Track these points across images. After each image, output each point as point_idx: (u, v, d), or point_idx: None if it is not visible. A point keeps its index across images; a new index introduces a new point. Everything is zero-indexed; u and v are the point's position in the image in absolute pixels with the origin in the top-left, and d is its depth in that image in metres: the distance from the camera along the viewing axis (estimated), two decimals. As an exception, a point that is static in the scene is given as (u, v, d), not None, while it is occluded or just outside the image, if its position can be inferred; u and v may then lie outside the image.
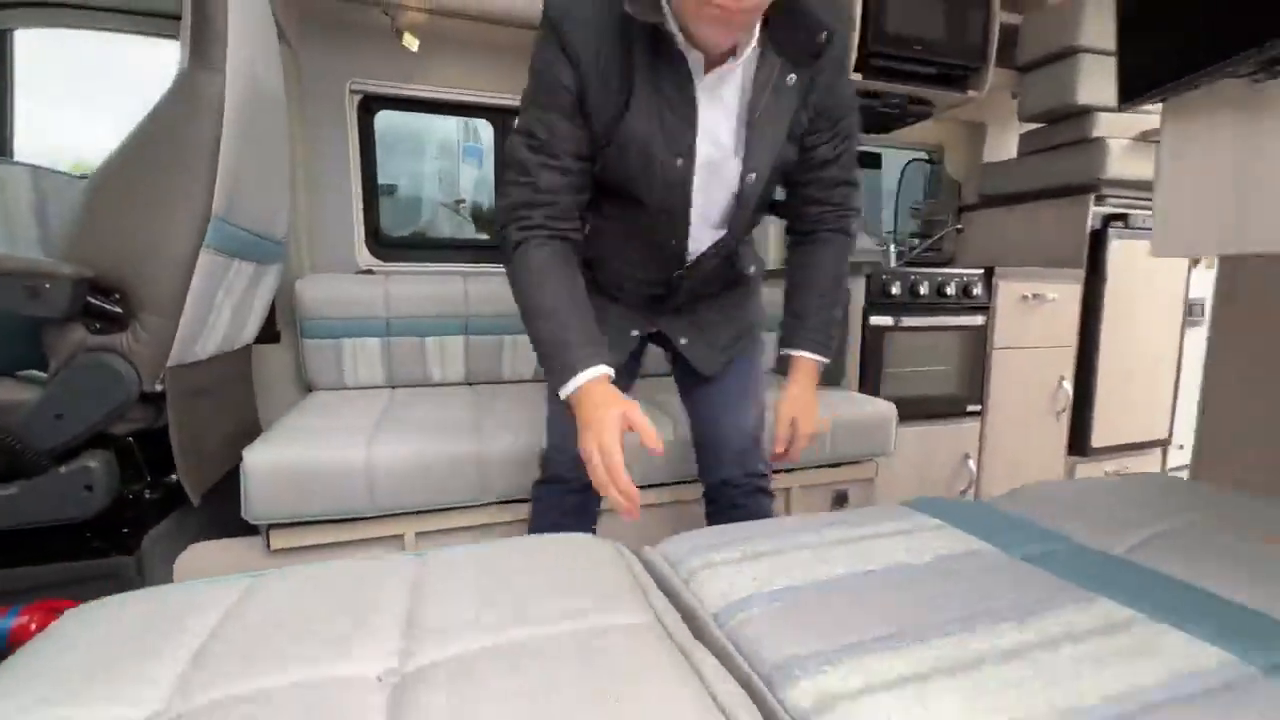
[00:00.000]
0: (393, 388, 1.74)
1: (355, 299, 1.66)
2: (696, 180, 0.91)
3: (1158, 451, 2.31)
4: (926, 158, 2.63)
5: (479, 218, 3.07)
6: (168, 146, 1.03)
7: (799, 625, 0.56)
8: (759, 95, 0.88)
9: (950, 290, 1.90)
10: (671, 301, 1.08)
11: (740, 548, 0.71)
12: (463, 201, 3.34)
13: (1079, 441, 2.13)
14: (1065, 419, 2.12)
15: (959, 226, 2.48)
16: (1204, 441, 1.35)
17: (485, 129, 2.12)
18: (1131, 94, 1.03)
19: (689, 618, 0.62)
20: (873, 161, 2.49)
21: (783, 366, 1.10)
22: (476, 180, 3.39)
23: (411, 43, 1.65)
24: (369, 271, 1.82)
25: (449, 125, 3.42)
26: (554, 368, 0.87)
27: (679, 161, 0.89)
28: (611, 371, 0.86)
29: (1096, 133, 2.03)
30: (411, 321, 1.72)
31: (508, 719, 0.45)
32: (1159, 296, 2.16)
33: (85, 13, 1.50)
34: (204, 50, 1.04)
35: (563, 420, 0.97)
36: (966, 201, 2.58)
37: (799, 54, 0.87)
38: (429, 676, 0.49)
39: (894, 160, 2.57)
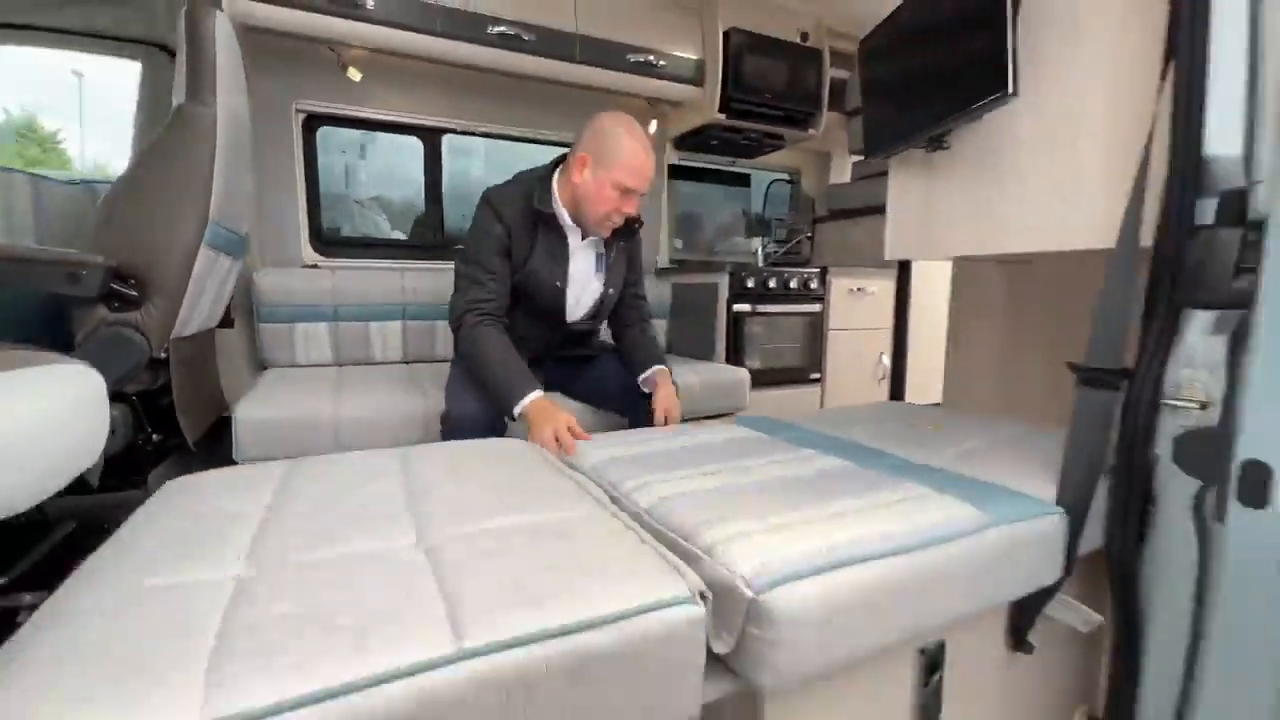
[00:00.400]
0: (339, 365, 2.04)
1: (306, 289, 1.96)
2: (570, 293, 1.60)
3: (955, 409, 3.00)
4: (787, 178, 3.22)
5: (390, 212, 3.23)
6: (174, 165, 1.32)
7: (695, 505, 0.82)
8: (608, 251, 1.62)
9: (794, 285, 2.46)
10: (551, 354, 1.71)
11: (632, 449, 1.11)
12: (360, 202, 3.49)
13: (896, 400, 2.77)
14: (885, 384, 2.74)
15: (809, 234, 3.08)
16: (949, 382, 1.95)
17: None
18: (871, 152, 1.57)
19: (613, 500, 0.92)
20: (743, 181, 3.04)
21: (647, 386, 1.62)
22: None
23: (355, 75, 1.96)
24: (314, 266, 2.10)
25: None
26: (505, 397, 1.35)
27: (558, 284, 1.57)
28: (542, 392, 1.35)
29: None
30: (356, 308, 2.04)
31: (506, 562, 0.65)
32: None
33: (54, 35, 1.70)
34: (199, 90, 1.35)
35: (458, 389, 1.50)
36: (819, 214, 3.20)
37: (626, 234, 1.62)
38: (445, 545, 0.69)
39: (761, 180, 3.14)
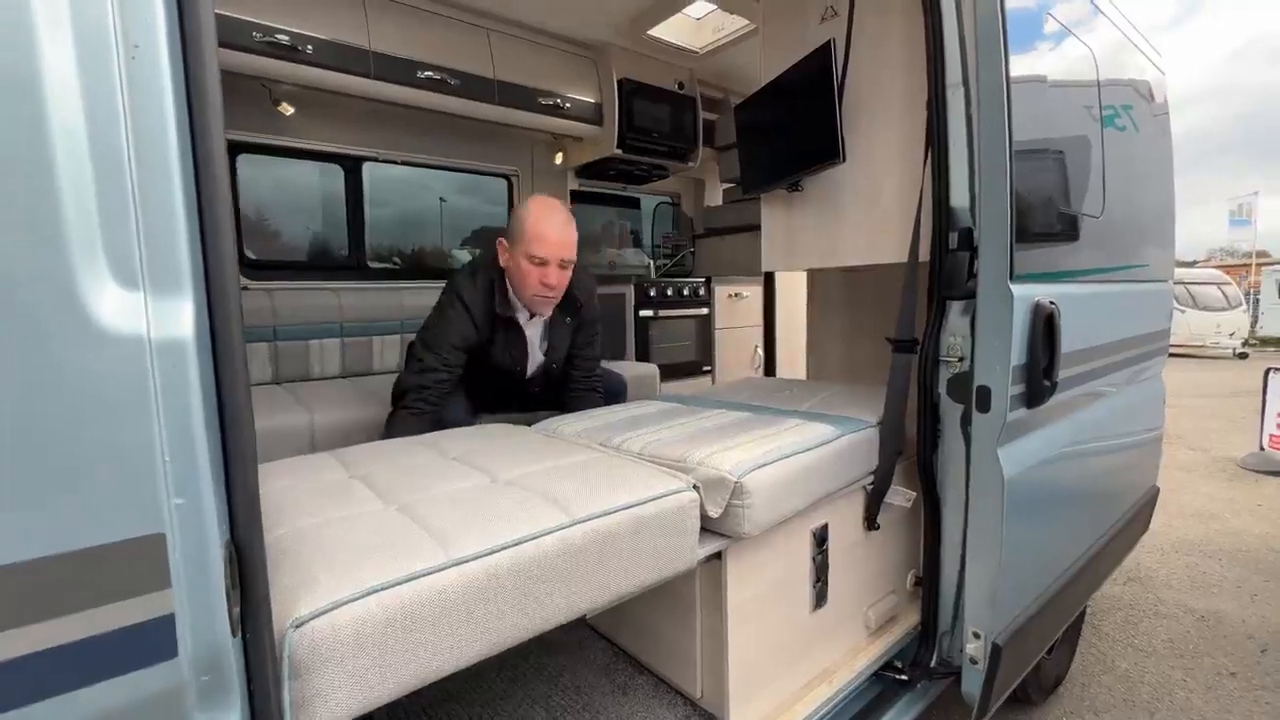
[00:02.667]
0: (278, 382, 2.14)
1: (246, 310, 2.04)
2: (528, 367, 1.86)
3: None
4: (670, 201, 3.72)
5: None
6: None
7: (674, 442, 1.25)
8: (551, 328, 1.86)
9: (686, 292, 2.93)
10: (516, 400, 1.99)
11: (597, 420, 1.47)
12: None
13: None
14: (760, 371, 3.32)
15: (692, 250, 3.60)
16: (810, 359, 2.50)
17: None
18: (747, 190, 2.06)
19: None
20: (634, 204, 3.48)
21: None
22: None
23: (286, 109, 2.08)
24: (244, 288, 2.17)
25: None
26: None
27: (517, 368, 1.84)
28: None
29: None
30: (295, 327, 2.14)
31: (566, 484, 0.97)
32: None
33: None
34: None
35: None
36: (698, 232, 3.73)
37: (570, 309, 1.84)
38: (516, 480, 1.02)
39: (649, 203, 3.61)
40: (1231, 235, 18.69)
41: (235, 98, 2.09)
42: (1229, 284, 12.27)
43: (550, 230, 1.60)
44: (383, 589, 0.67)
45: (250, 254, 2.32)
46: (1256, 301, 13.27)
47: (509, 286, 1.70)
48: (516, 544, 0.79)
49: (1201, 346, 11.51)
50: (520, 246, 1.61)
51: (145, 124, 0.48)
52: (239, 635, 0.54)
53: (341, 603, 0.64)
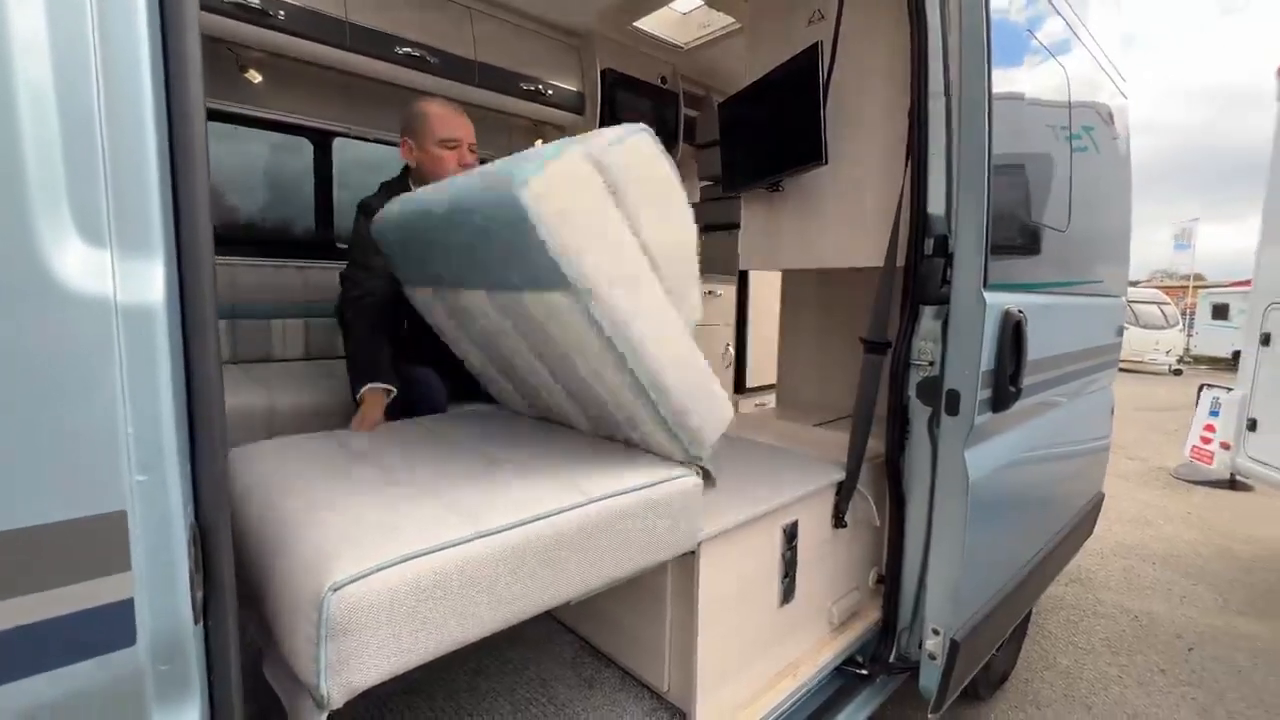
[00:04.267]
0: (235, 362, 2.04)
1: (204, 286, 1.94)
2: None
3: (783, 390, 3.73)
4: (648, 195, 3.71)
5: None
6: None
7: None
8: None
9: (662, 288, 2.93)
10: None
11: None
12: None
13: (739, 383, 3.38)
14: (731, 370, 3.34)
15: (669, 245, 3.59)
16: (782, 359, 2.51)
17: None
18: (729, 188, 2.06)
19: None
20: (612, 196, 3.45)
21: None
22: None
23: (254, 77, 1.98)
24: (202, 263, 2.07)
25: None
26: (356, 377, 1.53)
27: None
28: (383, 387, 1.50)
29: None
30: (256, 305, 2.05)
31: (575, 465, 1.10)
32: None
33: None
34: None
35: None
36: (674, 228, 3.72)
37: None
38: (526, 462, 1.07)
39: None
40: (1173, 258, 19.78)
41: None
42: (1168, 304, 12.98)
43: (454, 114, 1.69)
44: (415, 557, 0.70)
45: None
46: (1192, 321, 14.08)
47: (415, 184, 1.70)
48: (539, 519, 0.82)
49: (1140, 362, 12.14)
50: (429, 137, 1.67)
51: (117, 76, 0.44)
52: (200, 623, 0.51)
53: (379, 568, 0.66)
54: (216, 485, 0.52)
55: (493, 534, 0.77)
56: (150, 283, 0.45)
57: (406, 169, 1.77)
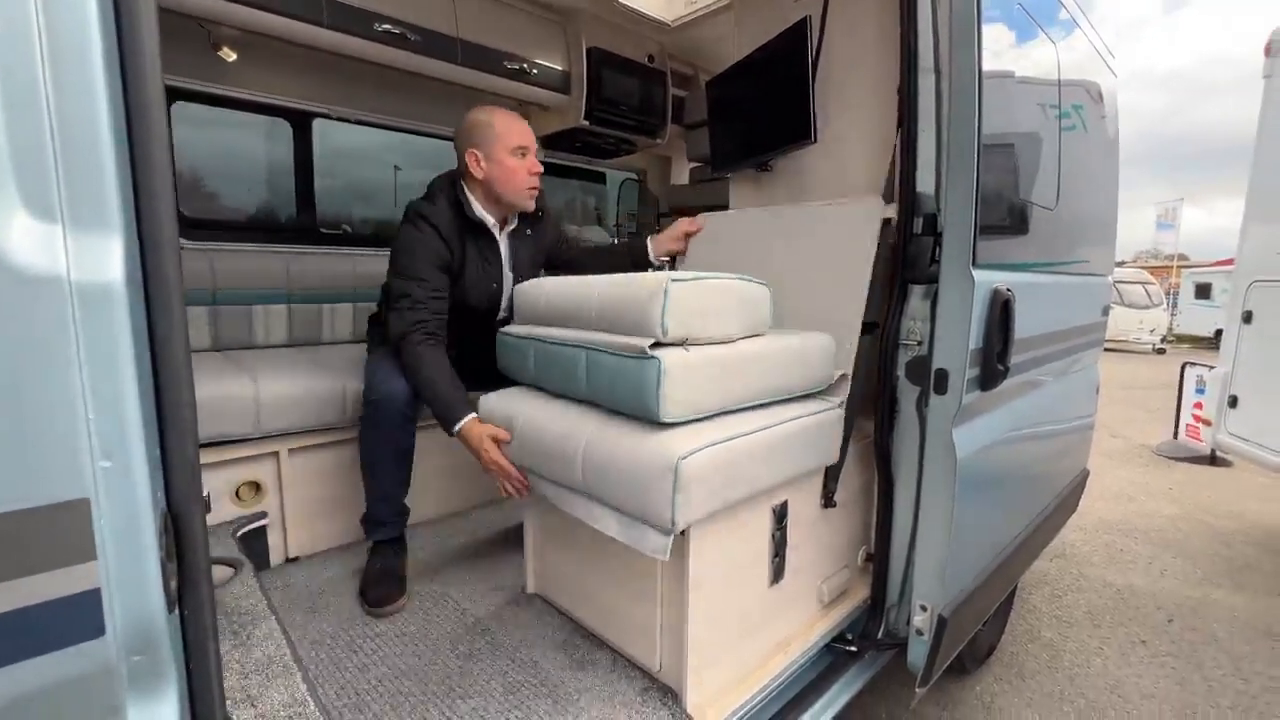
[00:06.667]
0: (218, 349, 2.00)
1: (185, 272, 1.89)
2: (505, 289, 1.77)
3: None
4: (636, 178, 3.66)
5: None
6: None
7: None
8: (514, 242, 1.80)
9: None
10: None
11: None
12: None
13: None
14: (721, 354, 3.34)
15: (658, 228, 3.56)
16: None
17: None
18: (717, 169, 2.04)
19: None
20: (600, 178, 3.40)
21: (658, 248, 2.01)
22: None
23: (228, 55, 1.92)
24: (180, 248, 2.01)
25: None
26: (444, 417, 1.47)
27: (494, 284, 1.75)
28: (477, 414, 1.47)
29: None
30: (237, 291, 2.01)
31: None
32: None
33: None
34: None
35: (378, 369, 1.58)
36: (663, 210, 3.69)
37: (528, 219, 1.82)
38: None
39: (615, 178, 3.54)
40: (1157, 238, 19.94)
41: (169, 40, 1.89)
42: (1152, 284, 13.13)
43: (518, 120, 1.67)
44: (717, 444, 1.09)
45: (185, 212, 2.16)
46: (1176, 301, 14.25)
47: (475, 198, 1.67)
48: (778, 424, 1.23)
49: (1125, 341, 12.31)
50: (497, 146, 1.63)
51: (63, 42, 0.41)
52: (175, 611, 0.50)
53: (703, 447, 1.06)
54: (188, 471, 0.50)
55: (757, 431, 1.18)
56: (107, 261, 0.43)
57: (452, 179, 1.69)
